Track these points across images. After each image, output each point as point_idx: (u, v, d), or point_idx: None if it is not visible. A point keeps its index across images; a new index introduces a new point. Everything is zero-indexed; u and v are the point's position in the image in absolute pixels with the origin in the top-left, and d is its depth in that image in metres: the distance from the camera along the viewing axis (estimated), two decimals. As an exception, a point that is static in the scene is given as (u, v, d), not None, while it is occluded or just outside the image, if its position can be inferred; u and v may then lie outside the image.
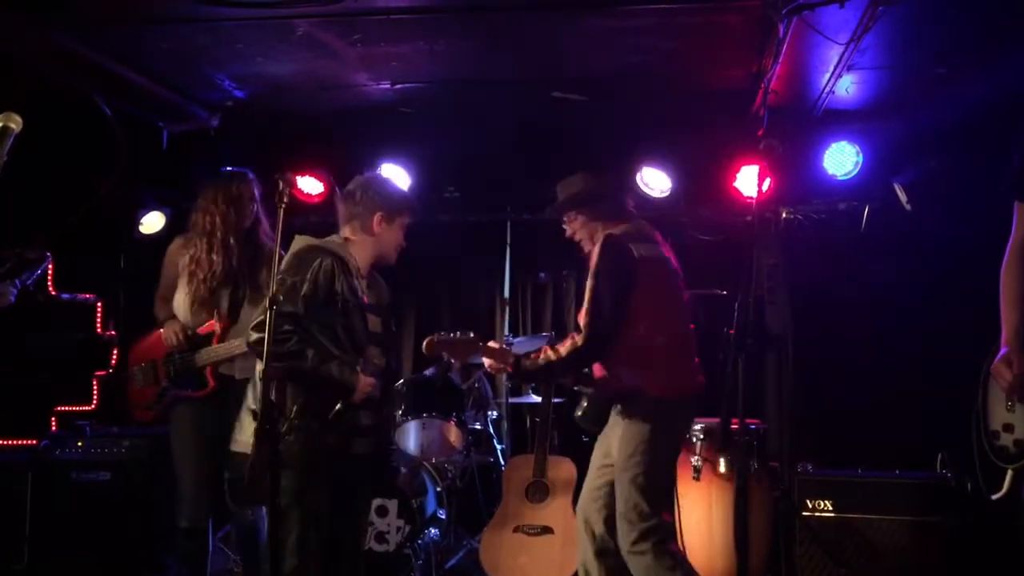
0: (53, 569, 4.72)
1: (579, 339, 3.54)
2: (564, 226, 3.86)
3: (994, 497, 2.89)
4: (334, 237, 3.55)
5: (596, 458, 3.78)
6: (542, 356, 3.60)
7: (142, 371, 4.17)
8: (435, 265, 6.58)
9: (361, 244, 3.51)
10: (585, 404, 3.74)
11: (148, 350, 4.20)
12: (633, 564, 3.47)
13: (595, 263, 3.57)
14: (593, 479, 3.76)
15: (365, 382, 3.31)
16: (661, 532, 3.48)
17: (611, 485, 3.64)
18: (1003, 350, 2.94)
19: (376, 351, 3.49)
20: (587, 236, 3.79)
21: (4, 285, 4.02)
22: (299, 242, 3.49)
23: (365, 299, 3.46)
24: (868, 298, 5.61)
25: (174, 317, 4.11)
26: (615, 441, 3.61)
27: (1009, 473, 2.85)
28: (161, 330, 4.12)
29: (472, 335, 3.69)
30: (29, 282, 4.09)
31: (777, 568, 4.47)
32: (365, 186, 3.57)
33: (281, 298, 3.06)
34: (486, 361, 3.74)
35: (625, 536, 3.49)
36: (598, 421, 3.74)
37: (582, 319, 3.61)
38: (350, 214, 3.55)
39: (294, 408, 2.99)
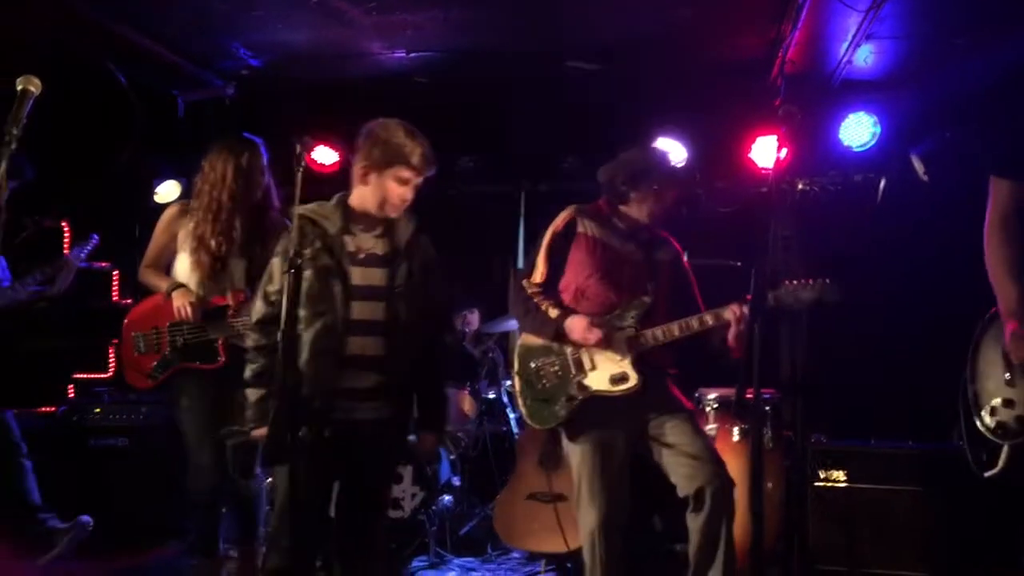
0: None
1: None
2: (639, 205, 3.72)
3: (987, 475, 2.83)
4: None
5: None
6: None
7: (145, 338, 3.98)
8: (448, 235, 6.56)
9: (359, 195, 3.29)
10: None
11: (149, 316, 4.00)
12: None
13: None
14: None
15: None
16: None
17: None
18: (1010, 325, 2.83)
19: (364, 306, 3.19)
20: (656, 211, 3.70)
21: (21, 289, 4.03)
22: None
23: (361, 253, 3.25)
24: (883, 270, 5.58)
25: (183, 286, 3.91)
26: (666, 396, 3.55)
27: (1005, 449, 2.78)
28: (172, 299, 3.89)
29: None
30: (63, 287, 4.09)
31: (789, 537, 4.48)
32: (362, 135, 3.27)
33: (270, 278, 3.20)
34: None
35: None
36: None
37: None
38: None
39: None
